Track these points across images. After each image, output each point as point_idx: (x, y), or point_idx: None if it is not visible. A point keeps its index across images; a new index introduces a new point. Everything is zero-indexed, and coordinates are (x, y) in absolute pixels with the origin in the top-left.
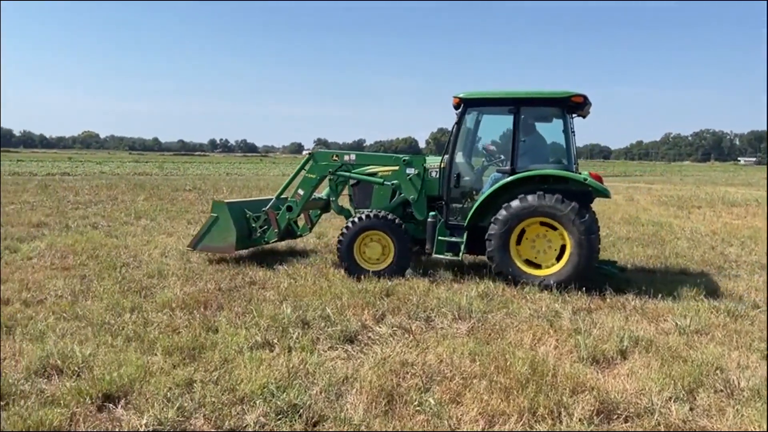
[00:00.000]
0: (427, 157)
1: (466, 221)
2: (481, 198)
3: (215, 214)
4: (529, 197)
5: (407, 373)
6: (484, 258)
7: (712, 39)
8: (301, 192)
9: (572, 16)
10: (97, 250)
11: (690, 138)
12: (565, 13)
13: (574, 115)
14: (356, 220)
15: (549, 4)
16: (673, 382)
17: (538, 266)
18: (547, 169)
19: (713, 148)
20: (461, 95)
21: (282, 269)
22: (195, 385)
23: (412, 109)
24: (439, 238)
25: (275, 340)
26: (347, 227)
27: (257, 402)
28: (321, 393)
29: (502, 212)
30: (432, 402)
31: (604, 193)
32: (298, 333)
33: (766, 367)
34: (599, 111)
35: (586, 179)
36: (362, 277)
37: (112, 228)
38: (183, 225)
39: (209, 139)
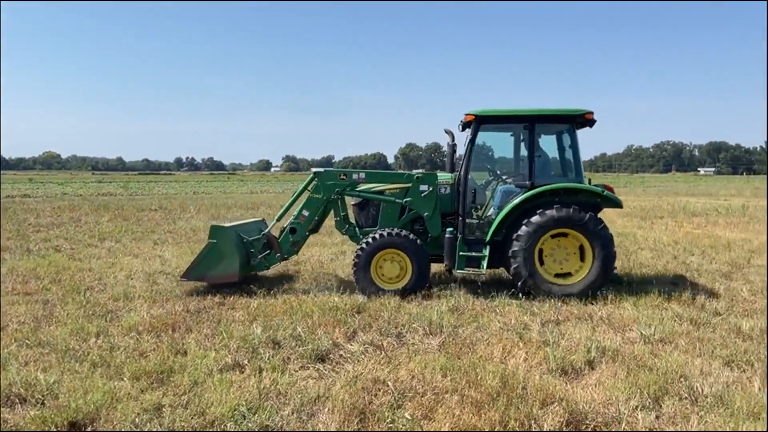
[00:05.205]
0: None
1: (488, 236)
2: (504, 212)
3: (214, 240)
4: (548, 211)
5: (379, 390)
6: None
7: (670, 48)
8: (306, 213)
9: (532, 22)
10: (60, 274)
11: (651, 150)
12: (527, 19)
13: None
14: (372, 239)
15: (506, 9)
16: (639, 390)
17: (567, 275)
18: (559, 182)
19: (674, 159)
20: (475, 112)
21: (251, 289)
22: (164, 409)
23: (381, 123)
24: (460, 253)
25: (245, 361)
26: (363, 246)
27: (228, 425)
28: (293, 414)
29: (524, 228)
30: (405, 419)
31: (617, 204)
32: (269, 353)
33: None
34: None
35: (603, 191)
36: (332, 295)
37: (76, 251)
38: (149, 246)
39: (175, 157)
